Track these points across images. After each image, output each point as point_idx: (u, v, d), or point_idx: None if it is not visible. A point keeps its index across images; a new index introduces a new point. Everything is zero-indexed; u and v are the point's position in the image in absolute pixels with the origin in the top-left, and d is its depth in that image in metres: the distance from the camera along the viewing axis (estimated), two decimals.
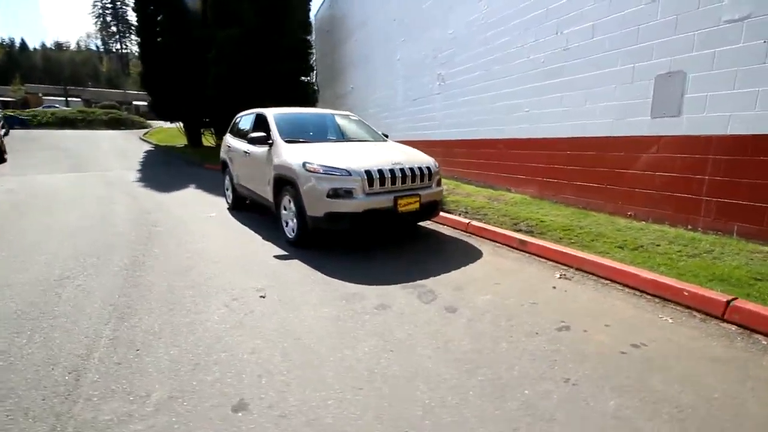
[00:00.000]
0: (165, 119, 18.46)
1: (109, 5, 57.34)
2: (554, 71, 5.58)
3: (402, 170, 4.01)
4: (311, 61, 15.81)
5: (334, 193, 3.78)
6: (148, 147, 18.51)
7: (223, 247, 4.30)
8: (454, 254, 4.09)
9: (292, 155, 4.23)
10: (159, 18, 16.77)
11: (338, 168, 3.82)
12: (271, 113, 5.08)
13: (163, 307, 2.85)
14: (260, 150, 4.87)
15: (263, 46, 13.60)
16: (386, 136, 5.50)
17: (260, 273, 3.53)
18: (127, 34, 58.18)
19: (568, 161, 5.50)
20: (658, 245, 3.85)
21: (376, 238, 4.56)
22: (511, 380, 2.00)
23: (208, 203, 7.10)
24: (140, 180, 9.84)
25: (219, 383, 1.99)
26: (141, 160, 14.16)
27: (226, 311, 2.79)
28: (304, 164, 3.94)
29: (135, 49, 55.81)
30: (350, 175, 3.79)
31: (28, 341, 2.39)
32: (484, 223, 4.84)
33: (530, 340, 2.38)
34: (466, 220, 4.95)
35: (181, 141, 20.16)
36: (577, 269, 3.53)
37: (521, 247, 4.14)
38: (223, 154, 6.46)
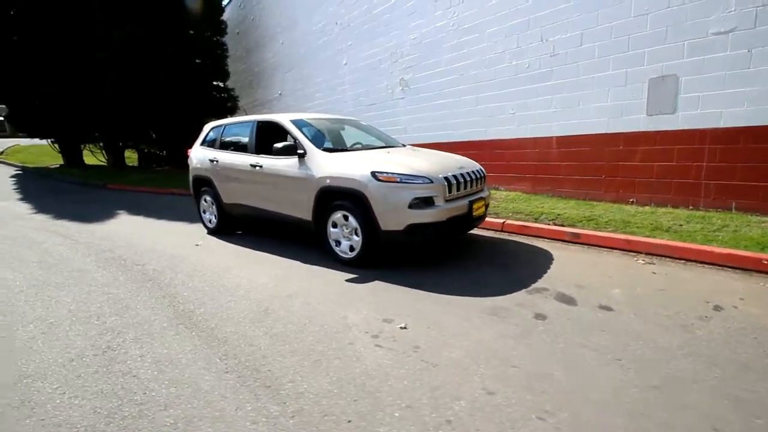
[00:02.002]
0: (32, 135, 14.88)
1: None
2: (541, 75, 6.01)
3: (469, 174, 3.89)
4: (226, 65, 14.40)
5: (416, 203, 3.47)
6: (12, 171, 14.70)
7: (276, 279, 3.61)
8: (526, 254, 4.10)
9: (348, 165, 3.76)
10: (11, 12, 13.45)
11: (418, 176, 3.51)
12: (286, 120, 4.46)
13: (302, 361, 2.26)
14: (284, 162, 4.23)
15: (168, 46, 11.94)
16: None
17: (359, 302, 3.04)
18: None
19: (562, 158, 5.97)
20: (681, 225, 4.40)
21: (429, 250, 4.33)
22: (754, 365, 2.06)
23: (170, 230, 5.95)
24: (40, 212, 7.75)
25: None
26: (14, 187, 11.19)
27: (385, 352, 2.33)
28: (373, 174, 3.54)
29: None
30: (432, 182, 3.52)
31: None
32: (527, 221, 4.97)
33: (711, 324, 2.50)
34: (501, 220, 5.02)
35: (54, 160, 16.54)
36: (647, 254, 3.85)
37: (574, 239, 4.35)
38: (200, 172, 5.44)
